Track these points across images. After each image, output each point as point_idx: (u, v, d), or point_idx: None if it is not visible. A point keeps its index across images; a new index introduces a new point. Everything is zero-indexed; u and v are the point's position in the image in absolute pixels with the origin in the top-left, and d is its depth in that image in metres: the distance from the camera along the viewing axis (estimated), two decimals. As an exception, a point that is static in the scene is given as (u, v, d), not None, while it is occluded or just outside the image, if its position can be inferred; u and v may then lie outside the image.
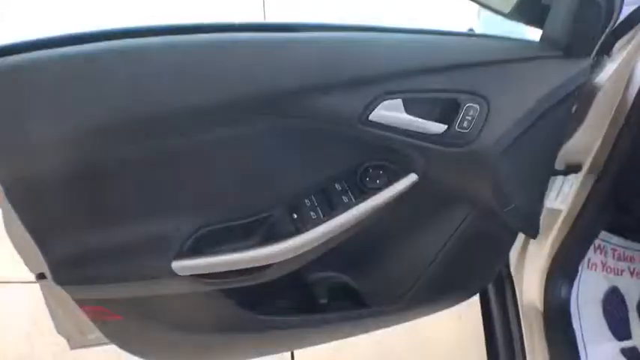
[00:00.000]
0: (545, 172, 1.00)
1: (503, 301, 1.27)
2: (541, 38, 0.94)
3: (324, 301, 1.03)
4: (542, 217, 1.05)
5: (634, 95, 1.04)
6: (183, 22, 0.84)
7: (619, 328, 1.27)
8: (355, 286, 1.07)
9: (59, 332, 1.22)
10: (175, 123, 0.81)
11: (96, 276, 0.88)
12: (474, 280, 1.12)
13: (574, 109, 1.05)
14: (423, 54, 0.89)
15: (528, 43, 0.95)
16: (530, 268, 1.21)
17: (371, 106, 0.84)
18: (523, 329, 1.22)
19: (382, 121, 0.85)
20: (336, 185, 0.91)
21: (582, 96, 1.03)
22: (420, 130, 0.86)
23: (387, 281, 1.06)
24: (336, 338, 1.12)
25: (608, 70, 1.06)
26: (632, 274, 1.33)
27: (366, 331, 1.10)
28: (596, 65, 1.03)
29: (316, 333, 1.07)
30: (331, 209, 0.90)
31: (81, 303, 0.94)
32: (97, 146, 0.79)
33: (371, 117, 0.84)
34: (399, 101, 0.85)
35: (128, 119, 0.79)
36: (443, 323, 1.12)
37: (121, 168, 0.82)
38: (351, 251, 1.00)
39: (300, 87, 0.82)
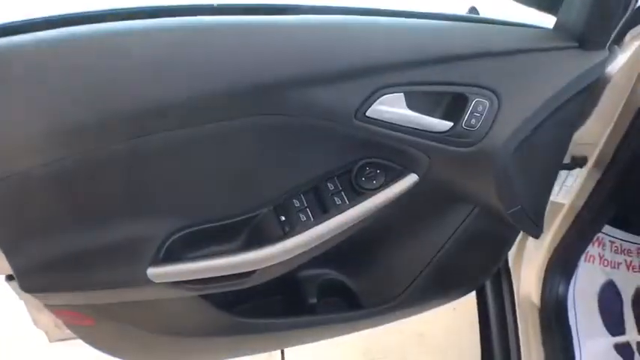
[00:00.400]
0: (554, 170, 0.92)
1: (500, 294, 1.21)
2: (555, 26, 0.84)
3: (313, 300, 0.95)
4: None
5: None
6: (155, 3, 0.72)
7: (613, 323, 1.23)
8: (348, 284, 0.99)
9: (37, 326, 1.15)
10: (147, 121, 0.70)
11: (65, 283, 0.80)
12: (472, 277, 1.06)
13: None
14: (427, 42, 0.78)
15: (541, 32, 0.85)
16: (528, 262, 1.15)
17: (368, 101, 0.74)
18: (519, 322, 1.17)
19: (381, 117, 0.75)
20: (329, 184, 0.81)
21: (592, 88, 0.94)
22: (423, 128, 0.77)
23: (383, 280, 0.98)
24: (325, 338, 1.05)
25: (619, 61, 0.96)
26: (628, 267, 1.28)
27: (358, 330, 1.03)
28: (609, 56, 0.93)
29: (303, 334, 0.99)
30: (323, 211, 0.81)
31: (52, 308, 0.86)
32: (64, 147, 0.69)
33: (368, 113, 0.74)
34: (400, 95, 0.75)
35: (100, 117, 0.69)
36: (437, 315, 1.05)
37: (90, 169, 0.72)
38: (345, 248, 0.91)
39: (288, 79, 0.72)
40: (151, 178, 0.75)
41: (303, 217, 0.80)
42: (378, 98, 0.74)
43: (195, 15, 0.73)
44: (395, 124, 0.76)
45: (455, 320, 1.34)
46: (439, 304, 1.05)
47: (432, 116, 0.77)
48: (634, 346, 1.23)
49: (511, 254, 1.20)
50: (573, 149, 1.03)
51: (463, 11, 1.17)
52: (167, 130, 0.71)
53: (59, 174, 0.71)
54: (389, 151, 0.79)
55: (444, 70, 0.77)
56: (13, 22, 0.71)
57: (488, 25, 0.85)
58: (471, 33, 0.82)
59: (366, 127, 0.75)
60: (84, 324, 0.89)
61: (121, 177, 0.74)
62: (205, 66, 0.70)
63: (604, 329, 1.21)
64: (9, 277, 0.90)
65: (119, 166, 0.72)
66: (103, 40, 0.70)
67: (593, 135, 1.02)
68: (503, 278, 1.19)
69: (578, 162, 1.03)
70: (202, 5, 0.73)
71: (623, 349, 1.21)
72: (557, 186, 1.06)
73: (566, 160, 1.03)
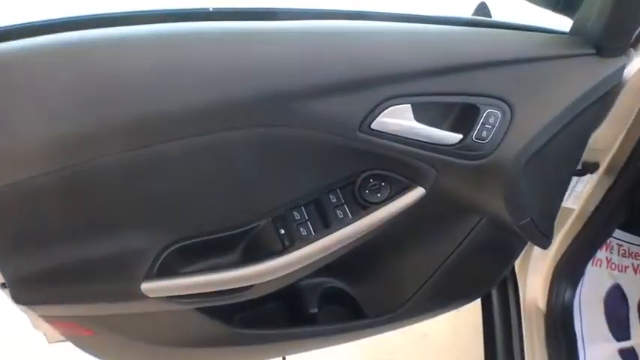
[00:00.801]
0: (566, 180, 0.87)
1: (505, 299, 1.17)
2: (571, 31, 0.78)
3: (315, 310, 0.92)
4: None
5: None
6: (145, 7, 0.67)
7: (619, 328, 1.19)
8: (351, 293, 0.95)
9: (35, 328, 1.12)
10: (145, 132, 0.65)
11: (59, 297, 0.76)
12: (478, 286, 1.01)
13: None
14: (435, 50, 0.72)
15: (557, 38, 0.78)
16: (534, 267, 1.11)
17: (374, 113, 0.69)
18: (523, 327, 1.13)
19: (386, 130, 0.70)
20: (331, 197, 0.77)
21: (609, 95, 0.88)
22: (431, 141, 0.72)
23: (386, 289, 0.94)
24: (326, 346, 1.02)
25: (634, 65, 0.90)
26: (635, 271, 1.24)
27: (360, 338, 0.99)
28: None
29: (304, 344, 0.96)
30: (324, 225, 0.76)
31: (48, 319, 0.82)
32: (57, 158, 0.65)
33: (373, 125, 0.69)
34: (406, 107, 0.70)
35: (96, 129, 0.64)
36: (441, 316, 1.00)
37: (85, 181, 0.67)
38: (347, 256, 0.87)
39: (290, 91, 0.67)
40: (146, 190, 0.70)
41: (303, 231, 0.76)
42: (384, 110, 0.69)
43: (192, 20, 0.67)
44: (401, 136, 0.71)
45: (459, 321, 1.30)
46: (443, 312, 1.01)
47: (441, 128, 0.72)
48: (638, 351, 1.19)
49: (517, 259, 1.16)
50: (584, 155, 0.98)
51: (473, 6, 1.10)
52: (164, 141, 0.66)
53: (53, 186, 0.66)
54: (394, 164, 0.74)
55: (454, 80, 0.71)
56: (7, 27, 0.66)
57: (499, 30, 0.78)
58: (481, 39, 0.76)
59: (370, 140, 0.70)
60: (81, 334, 0.86)
61: (115, 189, 0.69)
62: (205, 76, 0.65)
63: (609, 334, 1.17)
64: (3, 285, 0.87)
65: (114, 178, 0.68)
66: (102, 48, 0.66)
67: (605, 140, 0.96)
68: (509, 283, 1.15)
69: (589, 168, 0.98)
70: (198, 10, 0.67)
71: (628, 354, 1.17)
72: (567, 192, 1.01)
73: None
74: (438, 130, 0.72)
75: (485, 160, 0.73)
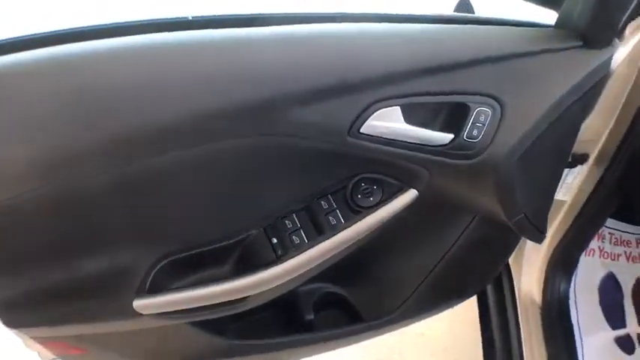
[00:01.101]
0: (558, 174, 0.85)
1: (501, 293, 1.16)
2: (556, 24, 0.76)
3: (311, 316, 0.90)
4: None
5: None
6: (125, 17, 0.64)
7: (614, 317, 1.18)
8: (347, 297, 0.93)
9: (27, 347, 1.09)
10: (130, 148, 0.63)
11: (50, 319, 0.73)
12: (474, 283, 1.00)
13: None
14: (423, 50, 0.70)
15: (543, 32, 0.77)
16: (528, 260, 1.09)
17: (362, 117, 0.67)
18: (520, 321, 1.12)
19: (376, 133, 0.68)
20: (323, 203, 0.74)
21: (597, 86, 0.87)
22: (422, 142, 0.70)
23: (382, 292, 0.92)
24: (324, 352, 1.00)
25: (620, 55, 0.89)
26: (628, 258, 1.23)
27: (358, 342, 0.97)
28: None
29: (302, 351, 0.94)
30: (317, 232, 0.74)
31: (39, 340, 0.80)
32: (41, 176, 0.62)
33: (362, 129, 0.67)
34: (396, 109, 0.68)
35: (79, 146, 0.62)
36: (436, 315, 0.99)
37: (70, 198, 0.65)
38: (342, 261, 0.85)
39: (275, 99, 0.64)
40: (133, 205, 0.68)
41: (296, 239, 0.73)
42: (373, 113, 0.67)
43: (170, 30, 0.64)
44: (391, 139, 0.69)
45: (456, 317, 1.28)
46: (440, 311, 1.00)
47: (432, 129, 0.70)
48: (634, 338, 1.19)
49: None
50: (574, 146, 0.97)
51: (454, 3, 1.09)
52: (150, 156, 0.64)
53: (39, 205, 0.64)
54: (386, 167, 0.72)
55: (442, 80, 0.69)
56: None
57: (484, 26, 0.77)
58: (467, 37, 0.74)
59: (360, 144, 0.68)
60: (74, 353, 0.83)
61: (101, 206, 0.67)
62: (186, 88, 0.62)
63: (605, 323, 1.17)
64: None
65: (101, 195, 0.65)
66: (75, 63, 0.63)
67: (594, 131, 0.95)
68: (503, 277, 1.14)
69: (579, 159, 0.97)
70: (177, 19, 0.64)
71: (624, 341, 1.17)
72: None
73: (566, 159, 0.97)
74: (429, 130, 0.70)
75: (477, 159, 0.71)
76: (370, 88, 0.66)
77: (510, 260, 1.14)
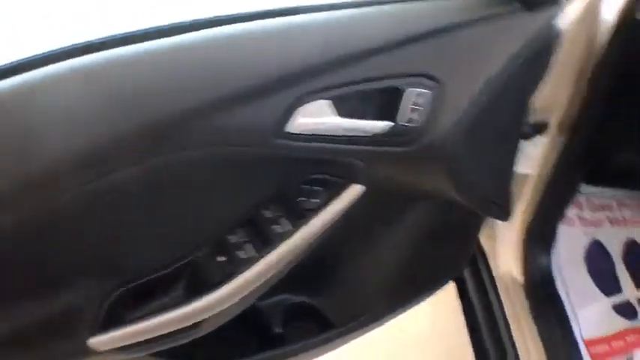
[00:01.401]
0: (512, 145, 0.80)
1: (479, 276, 1.11)
2: None
3: (280, 330, 0.85)
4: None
5: (604, 38, 0.84)
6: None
7: (607, 284, 1.13)
8: (315, 305, 0.89)
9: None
10: (54, 179, 0.59)
11: None
12: (446, 271, 0.95)
13: None
14: (344, 37, 0.66)
15: (479, 0, 0.73)
16: (503, 239, 1.04)
17: (287, 116, 0.63)
18: (504, 304, 1.06)
19: (305, 131, 0.63)
20: (266, 212, 0.70)
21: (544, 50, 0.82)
22: (357, 134, 0.65)
23: (349, 294, 0.88)
24: None
25: (569, 13, 0.85)
26: (611, 223, 1.18)
27: (335, 348, 0.93)
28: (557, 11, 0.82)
29: None
30: (264, 243, 0.70)
31: None
32: None
33: (289, 128, 0.63)
34: (323, 102, 0.63)
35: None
36: (419, 309, 0.94)
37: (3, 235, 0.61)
38: (302, 268, 0.81)
39: (188, 110, 0.60)
40: (70, 238, 0.64)
41: (244, 254, 0.69)
42: (298, 110, 0.63)
43: (67, 59, 0.61)
44: (323, 135, 0.64)
45: (438, 309, 1.21)
46: (414, 304, 0.95)
47: (367, 118, 0.66)
48: (634, 303, 1.13)
49: (483, 232, 1.09)
50: (530, 116, 0.92)
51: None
52: (67, 191, 0.60)
53: None
54: (324, 165, 0.68)
55: (370, 65, 0.65)
56: None
57: (414, 3, 0.72)
58: (394, 17, 0.70)
59: (290, 144, 0.64)
60: None
61: (36, 241, 0.63)
62: (85, 114, 0.58)
63: (598, 292, 1.12)
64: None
65: (34, 229, 0.62)
66: None
67: (552, 98, 0.91)
68: (479, 261, 1.09)
69: (539, 129, 0.92)
70: (79, 45, 0.61)
71: (624, 308, 1.11)
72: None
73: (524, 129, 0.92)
74: (363, 121, 0.65)
75: (420, 143, 0.66)
76: (291, 83, 0.62)
77: (483, 242, 1.09)
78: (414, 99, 0.65)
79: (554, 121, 0.92)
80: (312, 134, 0.64)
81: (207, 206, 0.69)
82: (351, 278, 0.87)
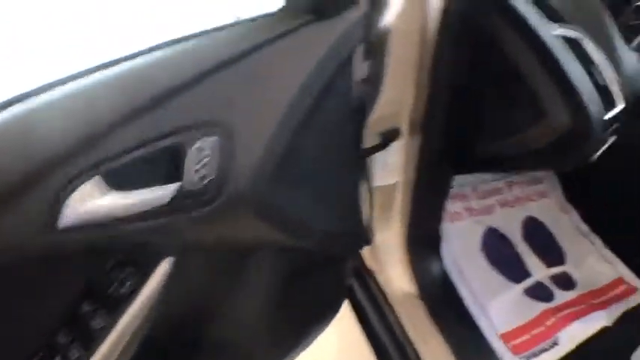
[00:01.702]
0: (351, 164, 0.73)
1: (373, 298, 1.02)
2: (282, 7, 0.64)
3: None
4: (375, 199, 0.80)
5: (436, 27, 0.78)
6: None
7: (512, 270, 1.08)
8: None
9: None
10: None
11: None
12: (328, 303, 0.87)
13: (367, 67, 0.77)
14: (102, 104, 0.57)
15: (262, 22, 0.64)
16: (386, 253, 0.97)
17: (54, 209, 0.53)
18: (402, 320, 0.98)
19: (81, 222, 0.54)
20: (84, 307, 0.62)
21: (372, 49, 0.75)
22: (142, 207, 0.56)
23: (229, 356, 0.80)
24: None
25: (392, 7, 0.78)
26: (502, 205, 1.12)
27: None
28: (375, 7, 0.74)
29: None
30: (89, 339, 0.61)
31: None
32: None
33: (60, 223, 0.54)
34: (95, 180, 0.54)
35: None
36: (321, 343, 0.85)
37: None
38: (167, 342, 0.72)
39: None
40: None
41: (75, 354, 0.61)
42: (65, 199, 0.54)
43: None
44: (104, 220, 0.56)
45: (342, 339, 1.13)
46: (311, 341, 0.86)
47: (152, 185, 0.57)
48: (547, 283, 1.08)
49: (365, 253, 1.02)
50: (378, 126, 0.85)
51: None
52: None
53: None
54: (121, 247, 0.59)
55: (138, 128, 0.56)
56: None
57: (185, 43, 0.64)
58: (161, 66, 0.61)
59: (69, 238, 0.55)
60: None
61: None
62: None
63: (505, 280, 1.06)
64: None
65: None
66: None
67: (396, 102, 0.85)
68: (370, 283, 1.01)
69: (390, 136, 0.85)
70: None
71: (537, 290, 1.06)
72: (378, 169, 0.88)
73: (374, 141, 0.86)
74: (149, 189, 0.57)
75: (220, 199, 0.58)
76: (47, 172, 0.53)
77: (368, 262, 1.01)
78: (200, 152, 0.57)
79: (404, 124, 0.87)
80: (93, 222, 0.55)
81: (32, 310, 0.60)
82: (220, 340, 0.78)
